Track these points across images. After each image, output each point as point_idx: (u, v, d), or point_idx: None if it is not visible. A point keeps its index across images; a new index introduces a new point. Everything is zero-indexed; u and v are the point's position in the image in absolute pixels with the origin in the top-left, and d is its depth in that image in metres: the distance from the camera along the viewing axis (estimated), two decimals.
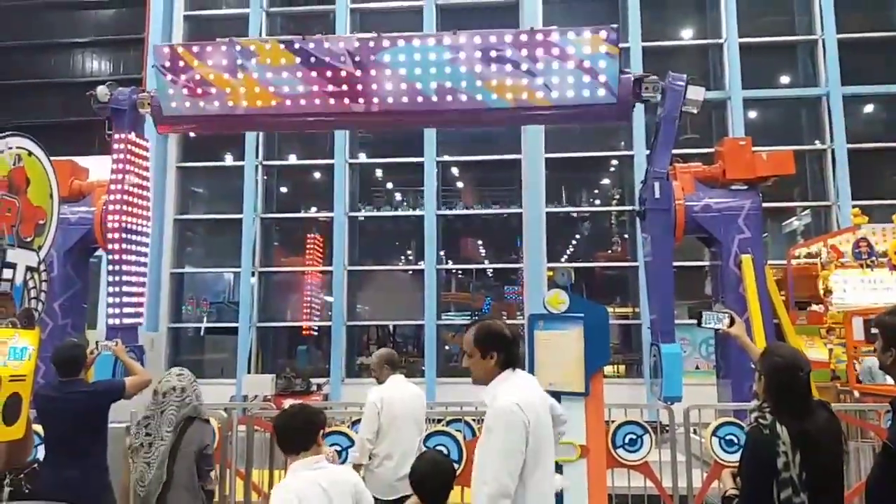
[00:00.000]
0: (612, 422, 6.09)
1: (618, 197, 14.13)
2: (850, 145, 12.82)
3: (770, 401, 2.70)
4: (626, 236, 13.68)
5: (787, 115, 14.11)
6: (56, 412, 4.12)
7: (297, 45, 8.03)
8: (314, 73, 8.06)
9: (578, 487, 4.85)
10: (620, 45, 13.34)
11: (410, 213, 14.04)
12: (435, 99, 8.07)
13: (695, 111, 8.01)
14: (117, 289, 8.45)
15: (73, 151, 10.35)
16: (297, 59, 8.06)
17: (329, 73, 8.05)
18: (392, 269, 14.53)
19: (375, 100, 8.10)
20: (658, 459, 6.17)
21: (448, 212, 13.96)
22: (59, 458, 4.07)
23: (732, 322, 3.53)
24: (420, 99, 8.08)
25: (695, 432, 6.65)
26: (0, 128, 3.27)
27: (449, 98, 8.04)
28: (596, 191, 14.54)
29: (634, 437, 6.07)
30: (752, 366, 3.21)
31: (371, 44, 7.97)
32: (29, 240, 3.14)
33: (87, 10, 16.17)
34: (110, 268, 8.50)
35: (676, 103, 7.92)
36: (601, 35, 7.73)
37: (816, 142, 13.42)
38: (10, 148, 3.04)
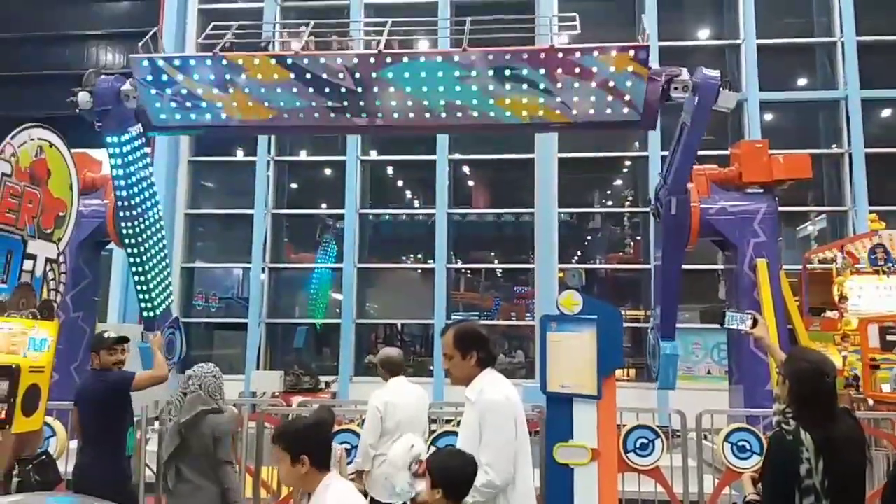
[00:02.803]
0: (624, 426, 6.04)
1: (631, 198, 14.05)
2: (868, 150, 12.70)
3: (794, 406, 2.65)
4: (639, 238, 13.59)
5: (805, 118, 13.99)
6: (80, 400, 4.33)
7: (290, 62, 7.36)
8: (311, 89, 7.49)
9: (589, 491, 4.81)
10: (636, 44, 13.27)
11: (422, 211, 14.03)
12: (444, 115, 7.61)
13: (726, 110, 7.33)
14: (144, 286, 8.44)
15: (85, 143, 10.35)
16: (292, 75, 7.41)
17: (327, 89, 7.49)
18: (402, 267, 14.50)
19: (380, 115, 7.66)
20: (669, 465, 6.12)
21: (459, 210, 13.91)
22: (82, 445, 4.28)
23: (755, 323, 3.45)
24: (427, 115, 7.61)
25: (706, 438, 6.58)
26: (13, 120, 3.27)
27: (459, 114, 7.56)
28: (609, 192, 14.46)
29: (646, 441, 6.01)
30: (777, 371, 3.16)
31: (372, 60, 7.32)
32: (49, 232, 3.14)
33: (101, 2, 16.26)
34: (133, 269, 8.49)
35: (707, 107, 7.06)
36: (629, 54, 6.98)
37: (834, 146, 13.29)
38: (33, 139, 3.03)
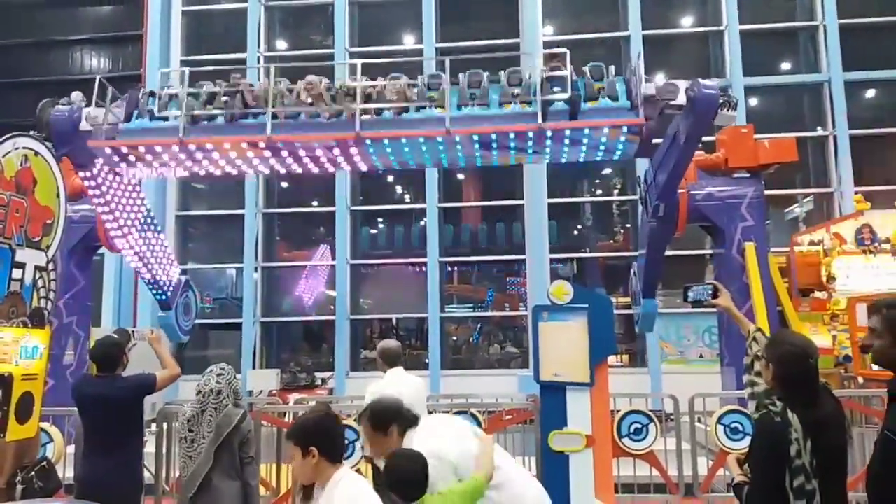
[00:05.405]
0: (617, 411, 6.10)
1: (619, 186, 14.11)
2: (853, 131, 12.81)
3: (781, 389, 2.69)
4: (629, 225, 13.66)
5: (789, 101, 14.06)
6: (92, 406, 4.17)
7: (262, 145, 7.15)
8: (291, 159, 7.46)
9: (585, 477, 4.87)
10: (619, 33, 13.32)
11: (413, 206, 14.05)
12: (430, 165, 7.97)
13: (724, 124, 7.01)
14: (152, 279, 8.65)
15: None
16: (267, 153, 7.32)
17: (307, 159, 7.48)
18: (395, 262, 14.52)
19: (363, 166, 7.72)
20: (663, 448, 6.19)
21: (450, 204, 13.93)
22: (95, 451, 4.13)
23: (717, 293, 3.47)
24: (413, 165, 7.75)
25: (699, 421, 6.66)
26: None
27: (445, 164, 7.78)
28: (597, 180, 14.52)
29: (640, 426, 6.09)
30: (747, 342, 3.21)
31: (350, 143, 7.11)
32: (37, 240, 3.15)
33: (84, 6, 16.13)
34: (137, 270, 8.67)
35: (704, 124, 6.48)
36: (622, 129, 6.70)
37: (818, 128, 13.39)
38: (17, 148, 3.04)
